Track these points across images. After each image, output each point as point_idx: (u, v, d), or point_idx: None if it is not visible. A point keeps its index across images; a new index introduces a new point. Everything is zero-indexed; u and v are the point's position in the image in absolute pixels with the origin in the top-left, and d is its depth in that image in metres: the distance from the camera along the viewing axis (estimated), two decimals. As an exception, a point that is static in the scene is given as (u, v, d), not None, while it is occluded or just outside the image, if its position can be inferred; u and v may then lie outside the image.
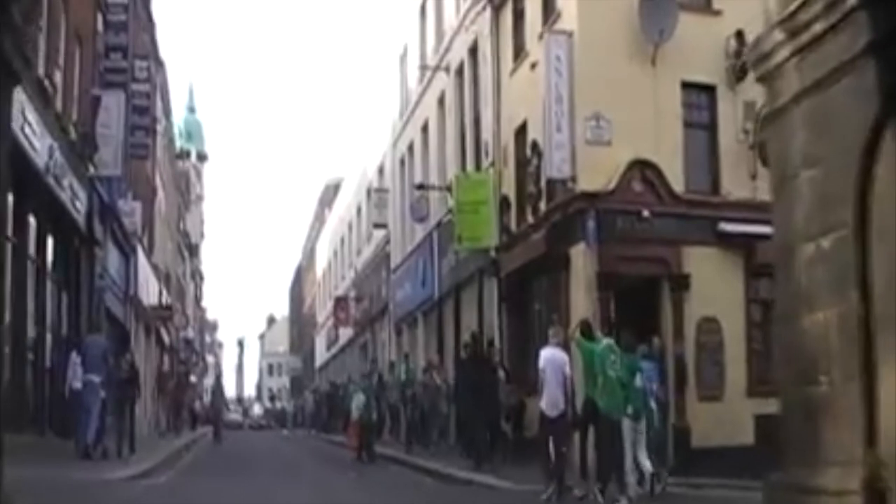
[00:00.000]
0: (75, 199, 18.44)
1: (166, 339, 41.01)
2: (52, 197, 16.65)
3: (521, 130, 19.48)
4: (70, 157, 17.91)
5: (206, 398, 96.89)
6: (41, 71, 16.13)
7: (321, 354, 56.78)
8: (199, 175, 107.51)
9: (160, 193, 39.36)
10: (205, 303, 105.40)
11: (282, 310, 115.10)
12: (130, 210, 26.42)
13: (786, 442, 7.87)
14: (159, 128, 37.35)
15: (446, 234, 24.53)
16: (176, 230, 52.62)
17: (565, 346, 12.90)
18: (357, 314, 40.02)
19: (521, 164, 19.53)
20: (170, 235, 46.74)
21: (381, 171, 35.51)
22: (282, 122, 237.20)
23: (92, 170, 20.33)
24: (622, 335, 13.14)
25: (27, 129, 14.29)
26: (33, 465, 11.63)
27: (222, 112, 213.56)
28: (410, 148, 29.93)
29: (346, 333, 43.91)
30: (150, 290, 33.47)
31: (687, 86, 17.41)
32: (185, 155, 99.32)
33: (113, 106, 20.96)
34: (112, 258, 24.01)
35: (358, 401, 20.82)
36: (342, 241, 46.37)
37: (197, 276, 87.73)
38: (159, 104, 37.86)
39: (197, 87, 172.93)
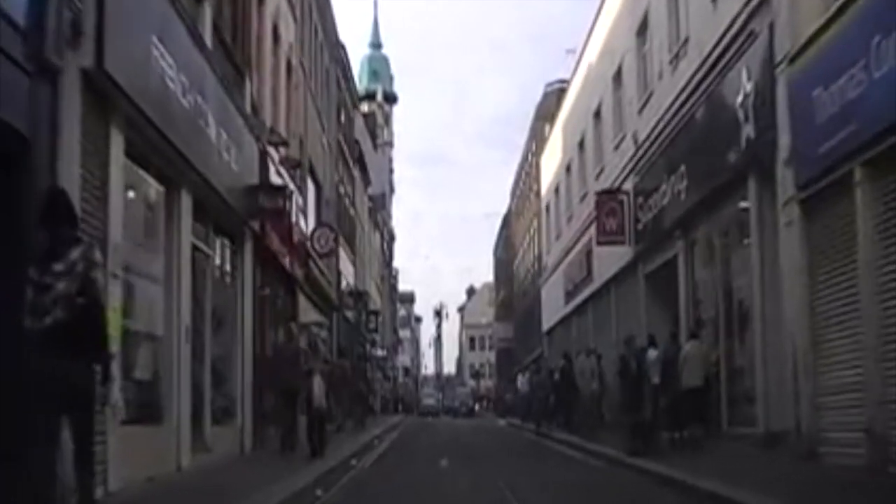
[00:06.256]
0: None
1: (287, 264, 23.05)
2: None
3: None
4: None
5: (401, 380, 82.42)
6: None
7: (552, 311, 38.83)
8: (386, 118, 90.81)
9: (285, 34, 22.08)
10: (396, 266, 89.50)
11: (482, 278, 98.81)
12: None
13: None
14: None
15: None
16: (336, 123, 35.64)
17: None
18: (644, 218, 21.62)
19: None
20: (316, 110, 29.50)
21: None
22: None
23: None
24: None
25: None
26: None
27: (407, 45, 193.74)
28: None
29: (606, 264, 25.69)
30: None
31: None
32: (370, 96, 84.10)
33: None
34: None
35: None
36: (598, 112, 27.79)
37: (385, 231, 71.44)
38: None
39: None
